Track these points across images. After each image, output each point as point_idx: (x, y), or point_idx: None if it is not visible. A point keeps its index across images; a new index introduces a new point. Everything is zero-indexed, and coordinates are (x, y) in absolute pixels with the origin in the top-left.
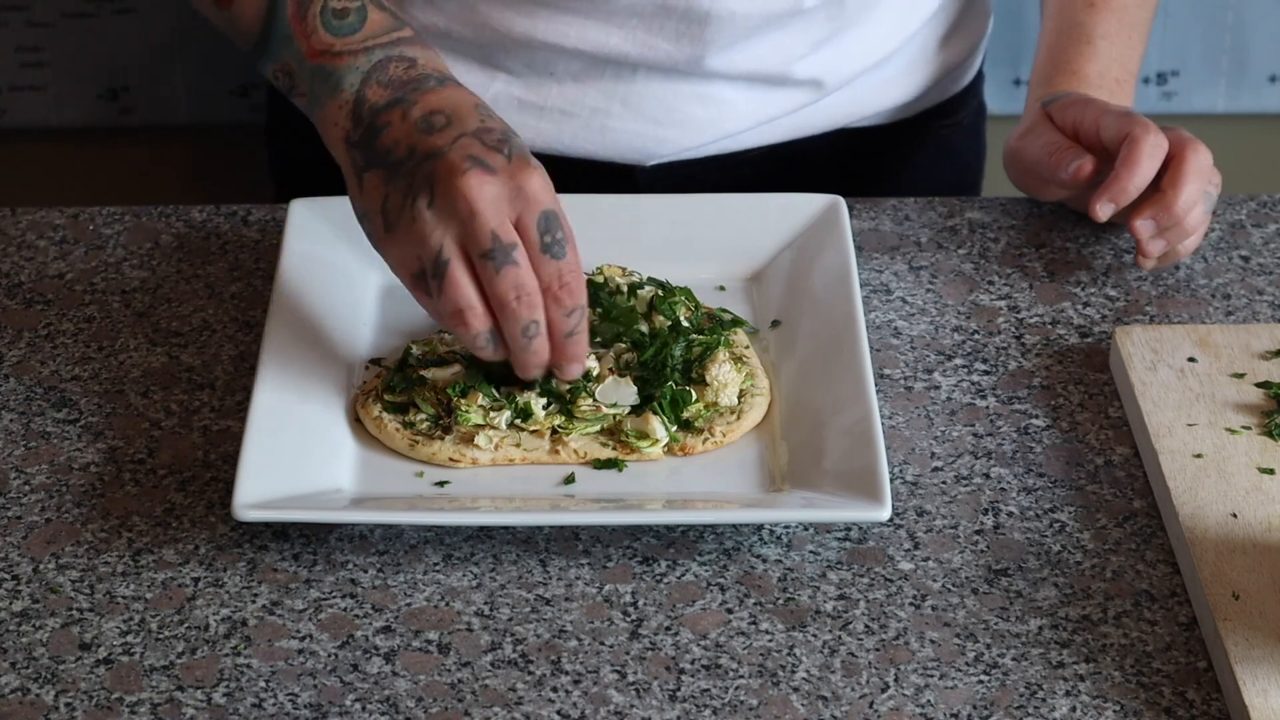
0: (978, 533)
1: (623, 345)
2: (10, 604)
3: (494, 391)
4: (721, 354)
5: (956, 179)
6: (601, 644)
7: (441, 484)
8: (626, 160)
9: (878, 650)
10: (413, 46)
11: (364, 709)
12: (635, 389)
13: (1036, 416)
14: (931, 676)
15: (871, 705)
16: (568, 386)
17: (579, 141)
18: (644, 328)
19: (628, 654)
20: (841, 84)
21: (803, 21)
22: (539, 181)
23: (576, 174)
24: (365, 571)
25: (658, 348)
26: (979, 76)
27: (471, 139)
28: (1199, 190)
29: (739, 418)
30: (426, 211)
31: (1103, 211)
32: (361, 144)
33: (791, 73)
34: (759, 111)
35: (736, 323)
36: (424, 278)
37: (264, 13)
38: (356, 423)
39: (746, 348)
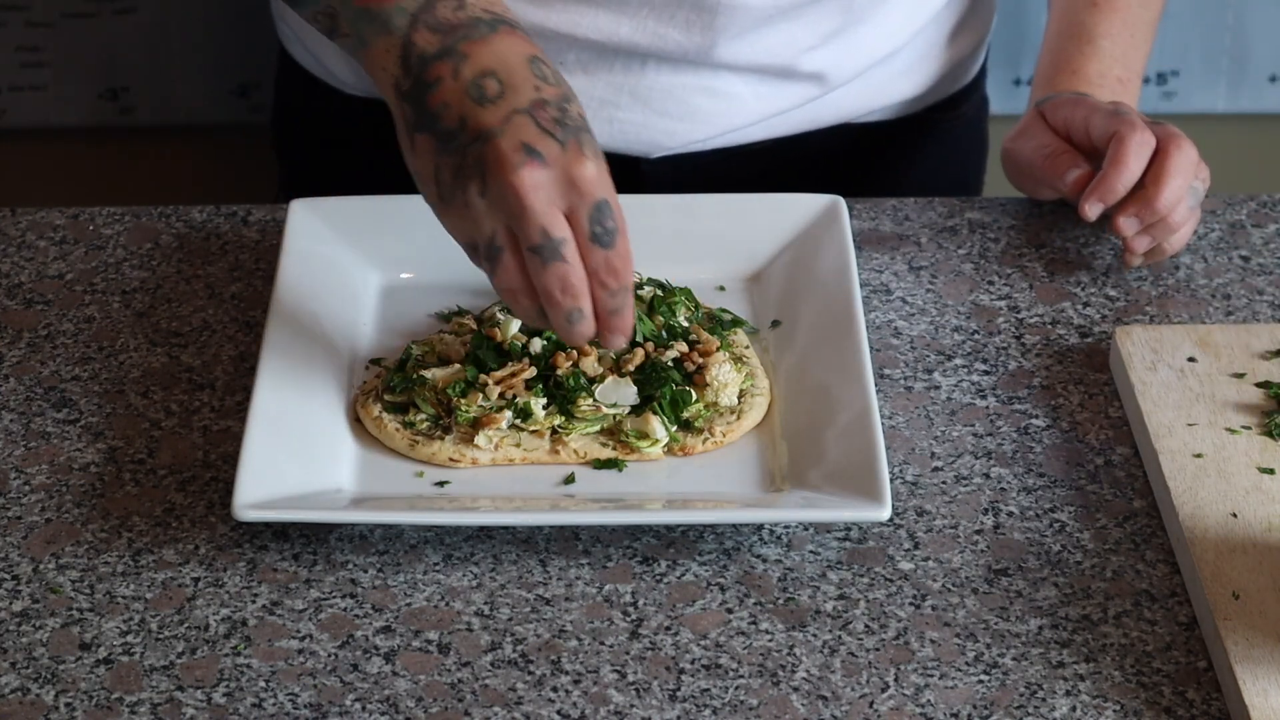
0: (978, 533)
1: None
2: (10, 604)
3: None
4: (721, 354)
5: (960, 173)
6: (601, 644)
7: (441, 484)
8: (633, 152)
9: (878, 650)
10: None
11: (364, 709)
12: (635, 389)
13: (1036, 416)
14: (931, 676)
15: (871, 705)
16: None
17: None
18: (651, 326)
19: (628, 654)
20: (848, 79)
21: (813, 13)
22: (593, 170)
23: None
24: (365, 571)
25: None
26: (982, 71)
27: (525, 118)
28: (1183, 186)
29: (739, 418)
30: (478, 199)
31: (1092, 211)
32: (411, 98)
33: (799, 65)
34: (766, 105)
35: (736, 323)
36: (474, 252)
37: None
38: (356, 423)
39: (746, 348)
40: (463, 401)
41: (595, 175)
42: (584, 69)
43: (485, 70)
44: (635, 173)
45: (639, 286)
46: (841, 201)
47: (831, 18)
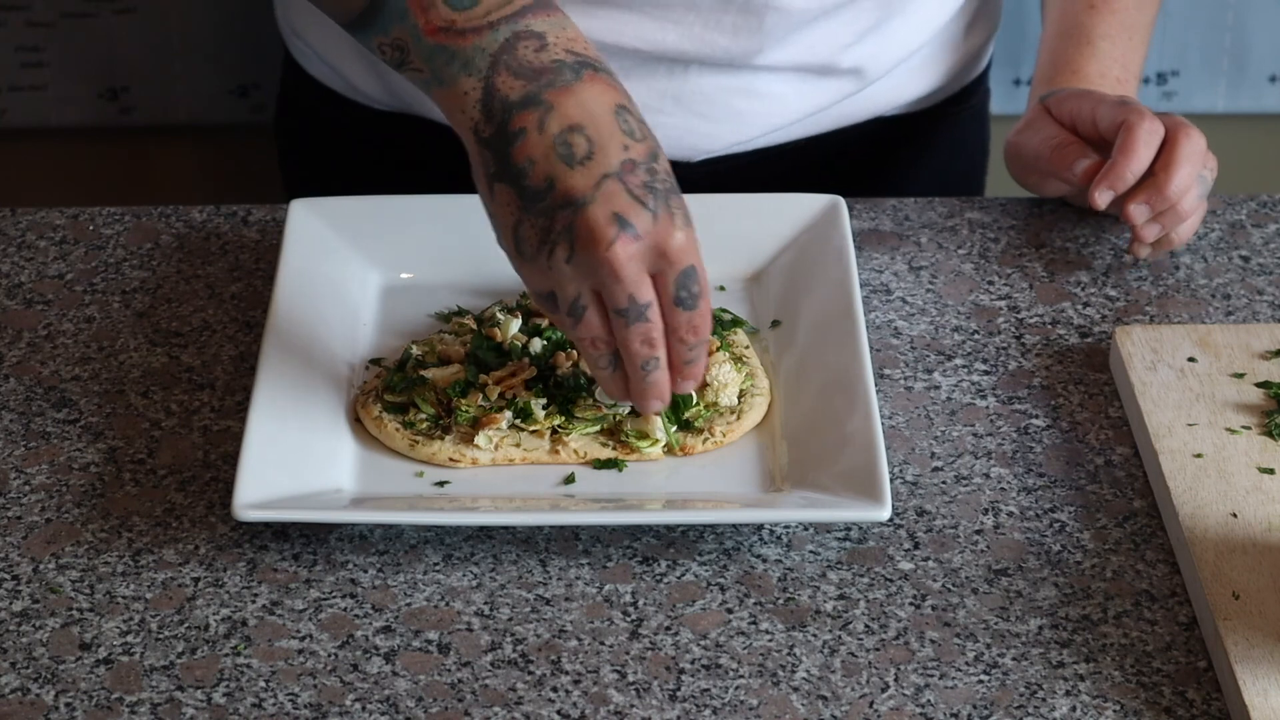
0: (978, 533)
1: None
2: (10, 604)
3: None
4: (721, 354)
5: (969, 162)
6: (601, 644)
7: (441, 484)
8: (675, 157)
9: (878, 650)
10: (539, 16)
11: (364, 709)
12: None
13: (1036, 416)
14: (931, 676)
15: (871, 705)
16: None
17: None
18: None
19: (628, 654)
20: (883, 72)
21: (852, 10)
22: (682, 239)
23: None
24: (365, 571)
25: None
26: (990, 61)
27: (616, 184)
28: (1193, 174)
29: (739, 418)
30: (565, 265)
31: (1102, 199)
32: (493, 146)
33: (838, 62)
34: (806, 103)
35: (737, 323)
36: (553, 300)
37: None
38: (356, 423)
39: (746, 348)
40: (463, 401)
41: (684, 244)
42: (625, 75)
43: (572, 125)
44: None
45: None
46: (841, 201)
47: (868, 14)
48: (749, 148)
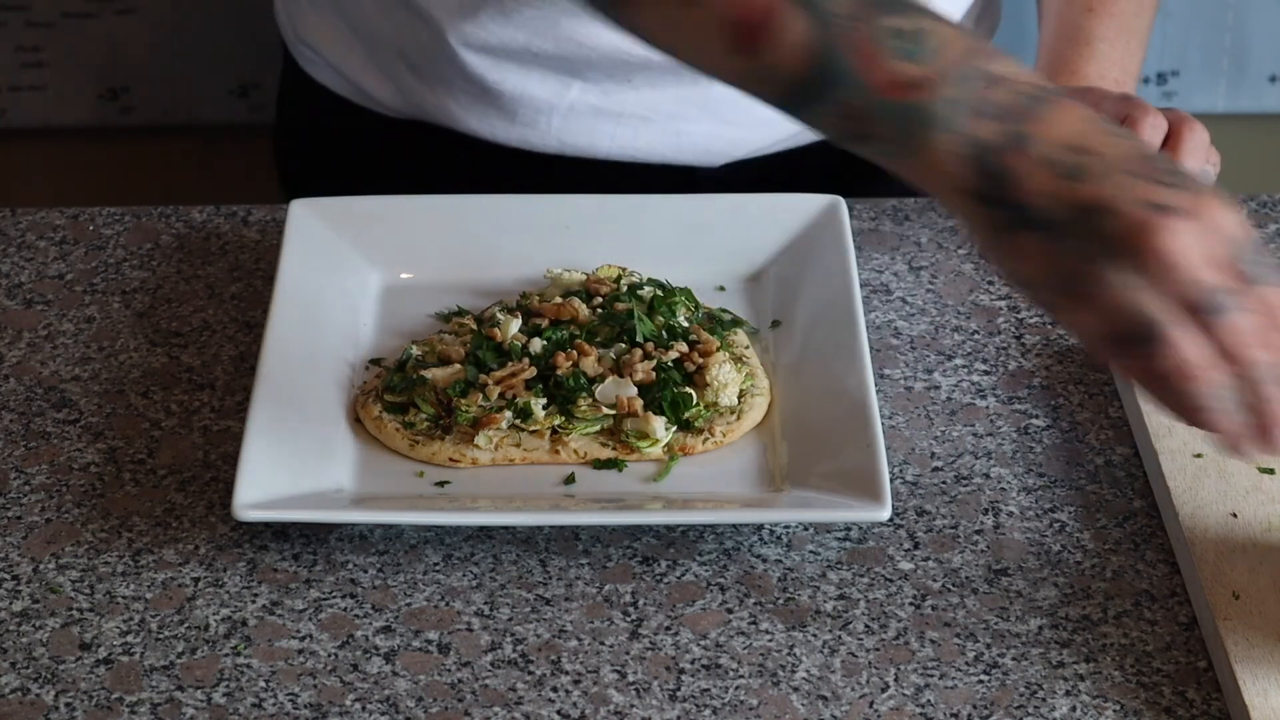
0: (978, 533)
1: (623, 345)
2: (10, 604)
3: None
4: (721, 354)
5: None
6: (601, 644)
7: (441, 484)
8: (700, 163)
9: (878, 650)
10: (986, 58)
11: (364, 709)
12: (636, 389)
13: (1036, 416)
14: (931, 676)
15: (871, 705)
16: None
17: (655, 146)
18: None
19: (628, 654)
20: None
21: None
22: (1228, 212)
23: (645, 177)
24: (365, 571)
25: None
26: None
27: (1133, 179)
28: (1196, 167)
29: (739, 418)
30: (1116, 277)
31: None
32: (989, 198)
33: None
34: None
35: (736, 323)
36: (1124, 343)
37: (812, 48)
38: (356, 423)
39: (746, 348)
40: (463, 401)
41: (1233, 217)
42: (651, 84)
43: (1062, 146)
44: (693, 181)
45: (639, 286)
46: (841, 201)
47: None
48: (772, 150)
